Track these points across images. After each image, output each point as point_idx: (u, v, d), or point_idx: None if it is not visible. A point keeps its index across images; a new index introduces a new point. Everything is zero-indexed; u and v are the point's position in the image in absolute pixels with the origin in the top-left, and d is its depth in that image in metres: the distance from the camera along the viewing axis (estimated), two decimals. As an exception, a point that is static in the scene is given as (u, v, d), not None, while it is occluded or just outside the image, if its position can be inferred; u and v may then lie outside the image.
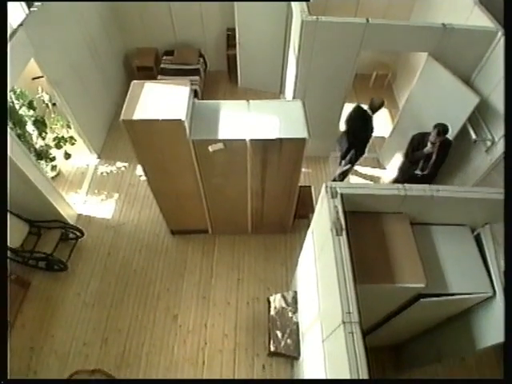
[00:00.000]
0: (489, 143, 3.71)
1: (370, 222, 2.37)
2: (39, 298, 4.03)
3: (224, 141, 3.04)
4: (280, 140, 3.03)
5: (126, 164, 5.21)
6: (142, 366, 3.58)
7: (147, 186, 4.88)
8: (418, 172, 3.93)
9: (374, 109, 4.04)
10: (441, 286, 2.25)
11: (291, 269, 4.15)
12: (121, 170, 5.15)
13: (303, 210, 4.25)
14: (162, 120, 2.83)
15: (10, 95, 4.13)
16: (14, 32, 3.47)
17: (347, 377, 1.65)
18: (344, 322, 1.75)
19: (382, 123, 5.62)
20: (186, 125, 2.90)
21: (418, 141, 3.84)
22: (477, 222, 2.51)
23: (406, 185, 2.26)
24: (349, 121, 4.30)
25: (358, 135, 4.29)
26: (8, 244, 3.80)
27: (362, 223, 2.33)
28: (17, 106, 4.14)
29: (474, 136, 3.71)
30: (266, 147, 3.10)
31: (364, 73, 6.35)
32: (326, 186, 2.24)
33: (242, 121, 3.15)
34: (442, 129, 3.51)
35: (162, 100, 2.97)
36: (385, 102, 4.13)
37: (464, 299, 2.27)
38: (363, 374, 1.62)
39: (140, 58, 5.98)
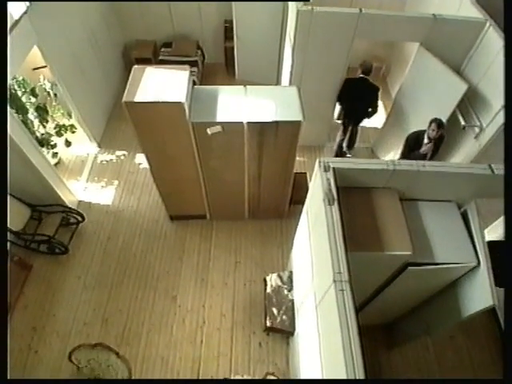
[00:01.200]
0: (477, 130, 3.85)
1: (361, 196, 2.49)
2: (41, 280, 4.13)
3: (222, 123, 3.16)
4: (276, 123, 3.15)
5: (125, 152, 5.31)
6: (141, 345, 3.69)
7: (146, 173, 5.06)
8: None
9: (367, 71, 4.30)
10: (428, 255, 2.38)
11: (287, 253, 4.27)
12: (120, 159, 5.25)
13: (298, 196, 4.36)
14: (163, 102, 2.94)
15: (12, 82, 4.22)
16: (19, 19, 3.55)
17: (338, 334, 1.76)
18: (335, 281, 1.87)
19: (376, 114, 5.74)
20: (186, 107, 3.01)
21: (414, 141, 3.89)
22: (463, 199, 2.64)
23: (394, 160, 2.39)
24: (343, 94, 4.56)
25: (357, 106, 4.57)
26: (10, 227, 3.90)
27: (353, 197, 2.45)
28: (19, 93, 4.22)
29: (463, 122, 3.85)
30: (262, 130, 3.22)
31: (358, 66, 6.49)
32: (319, 161, 2.36)
33: (240, 105, 3.27)
34: (440, 121, 3.58)
35: (162, 83, 3.07)
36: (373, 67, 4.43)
37: (450, 268, 2.40)
38: (353, 331, 1.74)
39: (139, 50, 6.08)
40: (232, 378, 3.05)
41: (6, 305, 3.20)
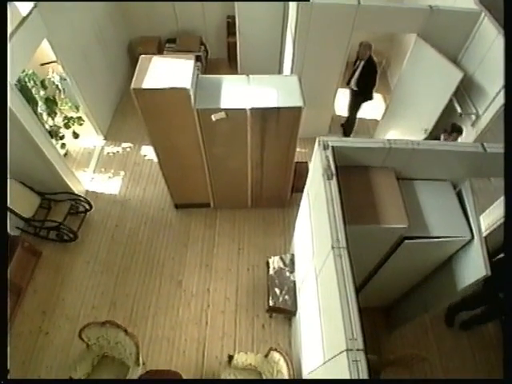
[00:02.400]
0: (474, 117, 3.96)
1: (359, 175, 2.61)
2: (50, 266, 4.27)
3: (226, 110, 3.28)
4: (278, 109, 3.28)
5: (131, 145, 5.45)
6: (148, 326, 3.81)
7: (152, 164, 5.20)
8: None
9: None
10: (423, 229, 2.49)
11: (289, 239, 4.39)
12: (126, 151, 5.39)
13: (300, 184, 4.45)
14: (169, 88, 3.07)
15: (21, 76, 4.37)
16: (30, 12, 3.70)
17: (337, 300, 1.87)
18: (333, 247, 1.98)
19: (376, 107, 5.87)
20: (191, 93, 3.14)
21: None
22: (457, 178, 2.75)
23: (390, 139, 2.50)
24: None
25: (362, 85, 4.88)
26: (21, 213, 4.04)
27: (351, 176, 2.56)
28: (28, 85, 4.37)
29: (459, 110, 3.95)
30: (264, 116, 3.34)
31: (359, 60, 6.61)
32: (319, 140, 2.48)
33: (243, 92, 3.40)
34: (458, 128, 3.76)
35: (168, 71, 3.21)
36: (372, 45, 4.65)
37: (445, 242, 2.50)
38: (350, 290, 1.85)
39: (143, 46, 6.22)
40: (236, 354, 3.15)
41: (6, 305, 3.30)
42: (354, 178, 2.57)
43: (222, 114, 3.31)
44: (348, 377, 1.63)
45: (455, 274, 2.68)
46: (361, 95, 5.08)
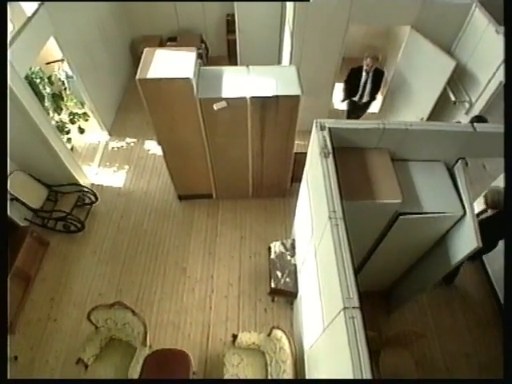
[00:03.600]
0: (467, 105, 4.08)
1: (355, 155, 2.73)
2: (57, 256, 4.39)
3: (227, 99, 3.41)
4: (277, 97, 3.41)
5: (134, 140, 5.59)
6: (154, 312, 3.92)
7: (155, 158, 5.35)
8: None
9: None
10: (417, 206, 2.61)
11: (290, 227, 4.50)
12: (130, 146, 5.53)
13: (299, 173, 4.59)
14: (172, 78, 3.21)
15: (28, 72, 4.51)
16: (37, 9, 3.85)
17: (333, 263, 1.99)
18: (330, 218, 2.10)
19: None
20: (194, 83, 3.28)
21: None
22: (450, 158, 2.86)
23: (384, 120, 2.62)
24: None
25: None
26: (29, 205, 4.17)
27: (347, 156, 2.68)
28: (36, 81, 4.52)
29: (453, 98, 4.08)
30: (264, 104, 3.47)
31: (356, 56, 6.73)
32: (316, 122, 2.60)
33: (243, 82, 3.53)
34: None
35: (171, 62, 3.35)
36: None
37: (438, 218, 2.61)
38: (346, 255, 1.97)
39: (145, 45, 6.29)
40: (240, 334, 3.25)
41: (6, 305, 3.38)
42: (350, 159, 2.69)
43: (223, 103, 3.44)
44: (345, 336, 1.74)
45: (449, 250, 2.79)
46: (370, 102, 5.08)
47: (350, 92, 4.97)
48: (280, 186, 4.64)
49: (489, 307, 4.00)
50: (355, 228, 2.17)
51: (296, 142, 4.22)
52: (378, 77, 4.77)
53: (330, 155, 2.41)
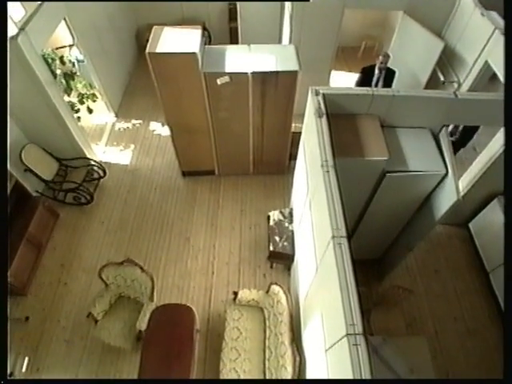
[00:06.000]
0: (456, 85, 4.33)
1: (347, 120, 2.97)
2: (67, 227, 4.64)
3: (230, 74, 3.67)
4: (276, 72, 3.66)
5: (140, 121, 5.85)
6: (159, 276, 4.16)
7: (160, 138, 5.60)
8: None
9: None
10: (403, 165, 2.86)
11: (288, 202, 4.74)
12: (136, 127, 5.78)
13: (297, 151, 4.84)
14: (179, 53, 3.46)
15: (40, 53, 4.74)
16: (52, -10, 4.10)
17: (324, 205, 2.23)
18: (322, 165, 2.35)
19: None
20: (199, 58, 3.53)
21: None
22: (435, 125, 3.11)
23: (373, 87, 2.87)
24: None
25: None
26: (42, 176, 4.42)
27: (340, 121, 2.92)
28: (49, 61, 4.77)
29: (442, 78, 4.33)
30: (264, 79, 3.72)
31: (353, 45, 7.05)
32: (312, 88, 2.85)
33: (245, 59, 3.79)
34: None
35: (178, 39, 3.60)
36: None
37: (423, 176, 2.86)
38: (336, 197, 2.21)
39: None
40: (240, 291, 3.49)
41: (6, 306, 3.58)
42: (342, 123, 2.93)
43: (226, 78, 3.69)
44: (333, 259, 1.98)
45: (433, 208, 3.05)
46: None
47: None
48: (279, 163, 4.89)
49: (476, 276, 4.24)
50: (346, 188, 2.41)
51: (293, 125, 4.47)
52: (389, 75, 4.76)
53: (324, 115, 2.66)
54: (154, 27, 3.75)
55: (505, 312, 2.20)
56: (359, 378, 1.65)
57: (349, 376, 1.69)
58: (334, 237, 2.03)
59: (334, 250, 2.00)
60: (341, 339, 1.82)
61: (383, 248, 4.03)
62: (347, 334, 1.72)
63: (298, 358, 2.89)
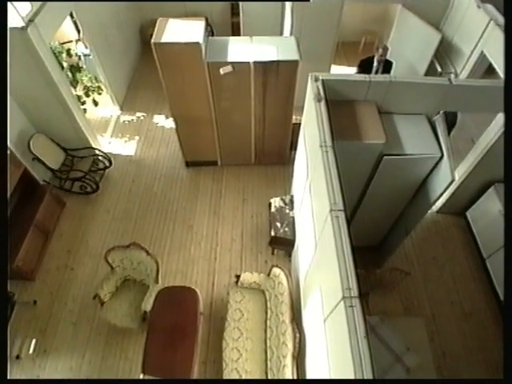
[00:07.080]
0: (453, 76, 4.43)
1: (346, 106, 3.08)
2: (73, 215, 4.76)
3: (233, 63, 3.78)
4: (277, 62, 3.77)
5: (144, 114, 5.98)
6: (164, 262, 4.28)
7: (163, 130, 5.72)
8: None
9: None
10: (400, 148, 2.96)
11: (289, 191, 4.85)
12: (140, 119, 5.90)
13: (297, 142, 4.96)
14: (184, 43, 3.58)
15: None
16: (60, -16, 4.23)
17: (323, 182, 2.34)
18: (321, 146, 2.46)
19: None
20: (202, 48, 3.64)
21: None
22: (431, 111, 3.21)
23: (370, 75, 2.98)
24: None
25: None
26: (49, 165, 4.54)
27: (339, 107, 3.03)
28: (56, 53, 4.89)
29: (439, 69, 4.44)
30: (265, 69, 3.84)
31: (354, 40, 7.15)
32: (311, 74, 2.96)
33: (247, 49, 3.90)
34: None
35: (182, 30, 3.71)
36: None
37: (419, 159, 2.96)
38: (334, 174, 2.32)
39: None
40: (242, 274, 3.60)
41: (7, 306, 3.72)
42: (341, 108, 3.04)
43: (229, 68, 3.81)
44: (331, 231, 2.09)
45: (429, 191, 3.15)
46: None
47: None
48: (280, 154, 5.00)
49: (473, 262, 4.34)
50: (344, 172, 2.51)
51: (294, 117, 4.57)
52: (387, 66, 4.96)
53: (323, 100, 2.77)
54: (159, 19, 3.86)
55: (505, 312, 2.27)
56: (355, 338, 1.76)
57: (345, 337, 1.79)
58: (331, 210, 2.14)
59: (331, 222, 2.10)
60: (338, 304, 1.92)
61: (381, 235, 4.13)
62: (343, 297, 1.83)
63: (297, 335, 2.99)
